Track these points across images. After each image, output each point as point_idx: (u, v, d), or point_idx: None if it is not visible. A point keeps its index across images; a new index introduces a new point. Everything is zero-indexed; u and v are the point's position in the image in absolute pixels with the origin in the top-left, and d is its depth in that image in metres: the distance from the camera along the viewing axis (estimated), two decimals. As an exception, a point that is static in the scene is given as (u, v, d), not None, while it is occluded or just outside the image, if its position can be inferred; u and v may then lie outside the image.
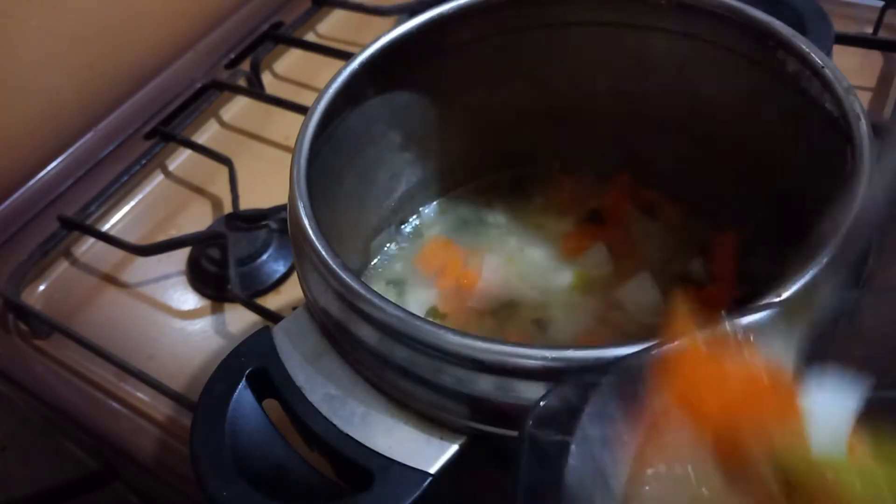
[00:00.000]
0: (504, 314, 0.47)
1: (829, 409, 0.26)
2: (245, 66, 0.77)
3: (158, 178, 0.71)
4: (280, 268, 0.59)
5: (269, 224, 0.61)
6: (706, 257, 0.48)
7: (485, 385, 0.30)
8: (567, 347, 0.29)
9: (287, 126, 0.71)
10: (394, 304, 0.32)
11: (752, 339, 0.27)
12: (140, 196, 0.69)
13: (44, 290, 0.63)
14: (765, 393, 0.26)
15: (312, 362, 0.35)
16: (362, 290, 0.32)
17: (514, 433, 0.30)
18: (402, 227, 0.52)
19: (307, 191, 0.37)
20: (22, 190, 0.70)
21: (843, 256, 0.30)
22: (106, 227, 0.67)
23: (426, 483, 0.31)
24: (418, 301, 0.48)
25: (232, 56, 0.78)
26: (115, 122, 0.74)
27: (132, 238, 0.63)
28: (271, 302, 0.58)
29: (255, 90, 0.74)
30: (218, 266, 0.59)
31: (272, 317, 0.53)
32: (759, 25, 0.39)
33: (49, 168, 0.71)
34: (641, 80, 0.48)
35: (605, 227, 0.51)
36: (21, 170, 0.70)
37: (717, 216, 0.49)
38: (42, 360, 0.58)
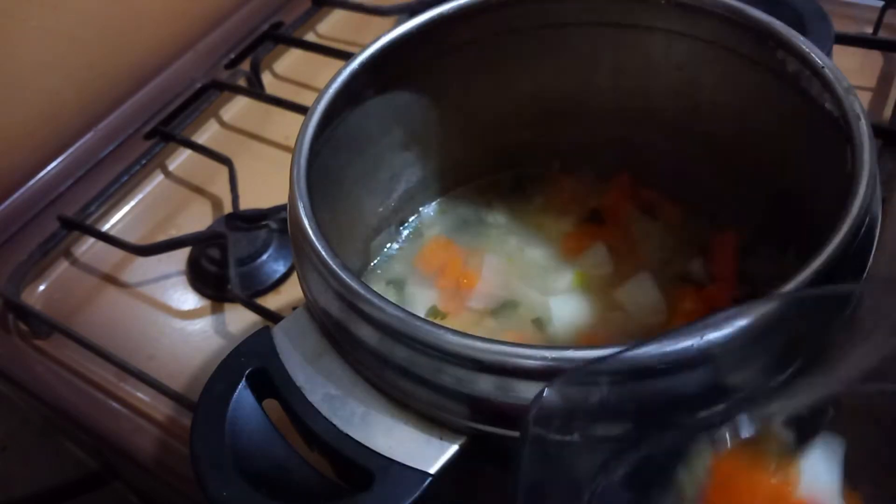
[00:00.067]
0: (504, 314, 0.47)
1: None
2: (245, 66, 0.77)
3: (158, 178, 0.71)
4: (280, 268, 0.59)
5: (269, 224, 0.61)
6: (706, 257, 0.48)
7: (485, 385, 0.30)
8: (567, 347, 0.29)
9: (287, 126, 0.71)
10: (394, 304, 0.32)
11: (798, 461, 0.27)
12: (140, 196, 0.69)
13: (44, 290, 0.63)
14: None
15: (312, 362, 0.35)
16: (362, 290, 0.32)
17: (515, 433, 0.30)
18: (402, 227, 0.52)
19: (307, 191, 0.37)
20: (22, 190, 0.70)
21: (842, 256, 0.30)
22: (106, 227, 0.67)
23: (426, 483, 0.31)
24: (418, 301, 0.48)
25: (232, 56, 0.78)
26: (115, 122, 0.74)
27: (132, 238, 0.63)
28: (271, 302, 0.58)
29: (255, 90, 0.74)
30: (218, 266, 0.59)
31: (272, 317, 0.53)
32: (759, 25, 0.39)
33: (49, 168, 0.71)
34: (641, 81, 0.48)
35: (605, 227, 0.51)
36: (21, 170, 0.70)
37: (717, 216, 0.49)
38: (42, 360, 0.58)
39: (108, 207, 0.68)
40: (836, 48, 0.61)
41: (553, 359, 0.29)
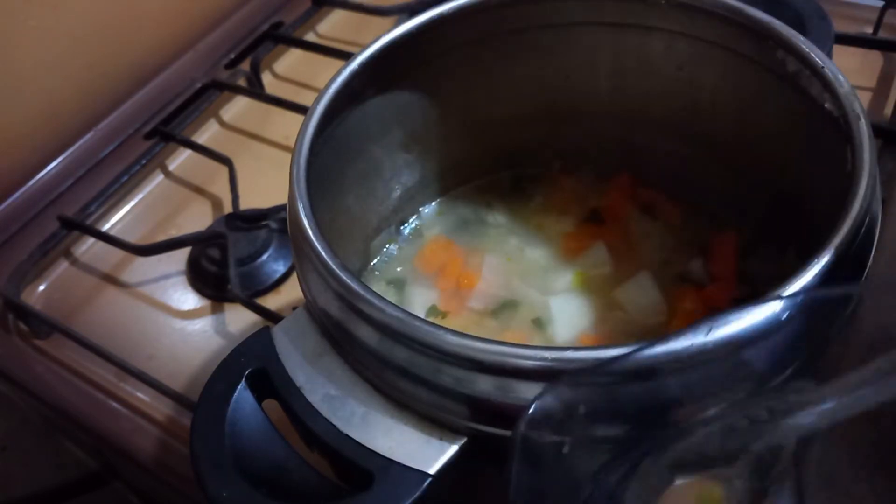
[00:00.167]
0: (504, 314, 0.47)
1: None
2: (245, 66, 0.77)
3: (158, 178, 0.71)
4: (280, 268, 0.59)
5: (269, 224, 0.61)
6: (706, 257, 0.48)
7: (484, 385, 0.30)
8: (566, 348, 0.29)
9: (287, 126, 0.71)
10: (394, 304, 0.32)
11: None
12: (140, 196, 0.69)
13: (44, 290, 0.63)
14: None
15: (312, 362, 0.35)
16: (362, 291, 0.32)
17: (514, 433, 0.30)
18: (402, 227, 0.52)
19: (307, 191, 0.37)
20: (22, 190, 0.70)
21: (842, 256, 0.30)
22: (106, 227, 0.67)
23: (426, 483, 0.31)
24: (418, 301, 0.48)
25: (232, 56, 0.78)
26: (115, 122, 0.74)
27: (132, 238, 0.63)
28: (271, 302, 0.58)
29: (255, 90, 0.74)
30: (218, 266, 0.59)
31: (272, 317, 0.53)
32: (759, 25, 0.39)
33: (49, 168, 0.71)
34: (641, 80, 0.48)
35: (604, 226, 0.51)
36: (21, 170, 0.70)
37: (717, 216, 0.49)
38: (42, 360, 0.58)
39: (108, 207, 0.68)
40: (836, 48, 0.61)
41: (553, 359, 0.29)
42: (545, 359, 0.29)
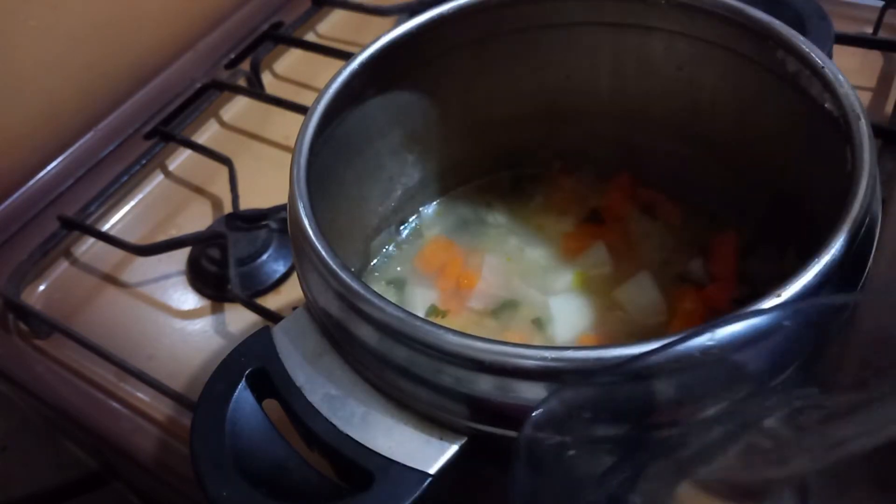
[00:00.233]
0: (504, 314, 0.47)
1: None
2: (245, 66, 0.77)
3: (158, 178, 0.71)
4: (280, 268, 0.59)
5: (269, 224, 0.61)
6: (706, 257, 0.48)
7: (484, 385, 0.30)
8: (566, 348, 0.29)
9: (287, 126, 0.71)
10: (394, 304, 0.32)
11: None
12: (140, 196, 0.69)
13: (44, 290, 0.63)
14: None
15: (312, 362, 0.35)
16: (362, 290, 0.32)
17: (515, 433, 0.30)
18: (402, 227, 0.52)
19: (307, 191, 0.37)
20: (22, 190, 0.70)
21: (843, 256, 0.30)
22: (106, 227, 0.67)
23: (426, 483, 0.31)
24: (418, 301, 0.48)
25: (232, 56, 0.78)
26: (115, 122, 0.74)
27: (132, 238, 0.63)
28: (271, 302, 0.58)
29: (255, 90, 0.74)
30: (218, 266, 0.59)
31: (272, 317, 0.53)
32: (759, 25, 0.39)
33: (49, 168, 0.71)
34: (641, 80, 0.48)
35: (604, 226, 0.51)
36: (21, 170, 0.70)
37: (717, 216, 0.49)
38: (42, 360, 0.58)
39: (108, 207, 0.68)
40: (836, 48, 0.61)
41: (552, 359, 0.29)
42: (545, 358, 0.29)
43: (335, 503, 0.32)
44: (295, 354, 0.36)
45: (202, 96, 0.74)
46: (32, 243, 0.64)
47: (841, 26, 0.62)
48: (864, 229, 0.31)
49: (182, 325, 0.58)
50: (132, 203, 0.69)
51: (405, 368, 0.32)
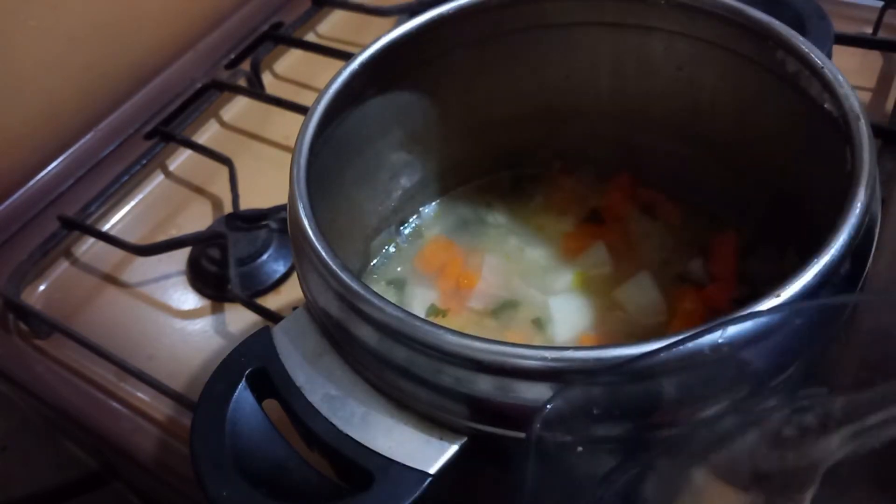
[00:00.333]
0: (504, 314, 0.47)
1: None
2: (245, 66, 0.77)
3: (158, 178, 0.71)
4: (280, 268, 0.59)
5: (269, 224, 0.61)
6: (706, 257, 0.48)
7: (484, 385, 0.30)
8: (566, 348, 0.29)
9: (287, 126, 0.71)
10: (394, 304, 0.32)
11: None
12: (140, 196, 0.69)
13: (44, 290, 0.63)
14: None
15: (312, 362, 0.35)
16: (362, 290, 0.32)
17: (515, 433, 0.30)
18: (402, 227, 0.52)
19: (307, 191, 0.37)
20: (22, 190, 0.70)
21: (842, 256, 0.30)
22: (106, 227, 0.67)
23: (426, 483, 0.31)
24: (418, 301, 0.48)
25: (232, 56, 0.78)
26: (115, 122, 0.74)
27: (132, 238, 0.63)
28: (271, 302, 0.58)
29: (255, 90, 0.75)
30: (218, 266, 0.59)
31: (272, 317, 0.53)
32: (759, 25, 0.39)
33: (49, 168, 0.71)
34: (641, 80, 0.48)
35: (604, 226, 0.51)
36: (21, 170, 0.70)
37: (717, 216, 0.49)
38: (42, 360, 0.58)
39: (108, 207, 0.68)
40: (836, 48, 0.61)
41: (552, 359, 0.29)
42: (545, 359, 0.29)
43: (335, 503, 0.32)
44: (295, 354, 0.36)
45: (202, 96, 0.74)
46: (32, 243, 0.64)
47: (841, 26, 0.62)
48: (864, 229, 0.31)
49: (182, 325, 0.58)
50: (132, 203, 0.69)
51: (405, 368, 0.32)
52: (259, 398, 0.36)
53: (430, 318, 0.44)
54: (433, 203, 0.54)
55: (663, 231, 0.50)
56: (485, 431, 0.32)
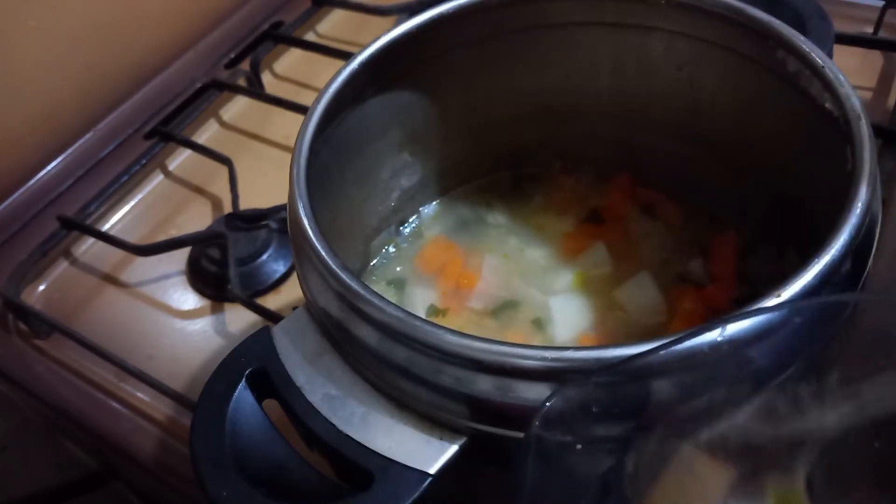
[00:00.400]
0: (504, 314, 0.47)
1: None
2: (245, 65, 0.77)
3: (158, 178, 0.71)
4: (280, 268, 0.59)
5: (269, 224, 0.61)
6: (706, 257, 0.48)
7: (484, 385, 0.30)
8: (566, 348, 0.29)
9: (287, 126, 0.71)
10: (393, 304, 0.32)
11: None
12: (140, 196, 0.69)
13: (44, 290, 0.63)
14: None
15: (312, 362, 0.35)
16: (362, 290, 0.32)
17: (514, 433, 0.30)
18: (402, 227, 0.52)
19: (307, 191, 0.37)
20: (22, 190, 0.70)
21: (843, 256, 0.30)
22: (106, 227, 0.67)
23: (426, 483, 0.31)
24: (418, 301, 0.48)
25: (232, 56, 0.78)
26: (115, 122, 0.74)
27: (132, 238, 0.63)
28: (271, 302, 0.58)
29: (255, 90, 0.74)
30: (218, 266, 0.59)
31: (272, 317, 0.53)
32: (759, 25, 0.39)
33: (49, 168, 0.71)
34: (641, 80, 0.48)
35: (604, 226, 0.51)
36: (21, 170, 0.70)
37: (717, 216, 0.49)
38: (42, 360, 0.58)
39: (108, 207, 0.68)
40: (836, 48, 0.61)
41: (552, 359, 0.29)
42: (545, 359, 0.29)
43: (335, 503, 0.32)
44: (295, 354, 0.36)
45: (202, 96, 0.74)
46: (32, 243, 0.64)
47: (841, 26, 0.62)
48: (864, 229, 0.31)
49: (182, 325, 0.58)
50: (132, 203, 0.69)
51: (405, 368, 0.32)
52: (259, 398, 0.36)
53: (430, 318, 0.44)
54: (433, 203, 0.54)
55: (663, 231, 0.50)
56: (485, 431, 0.32)
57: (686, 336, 0.27)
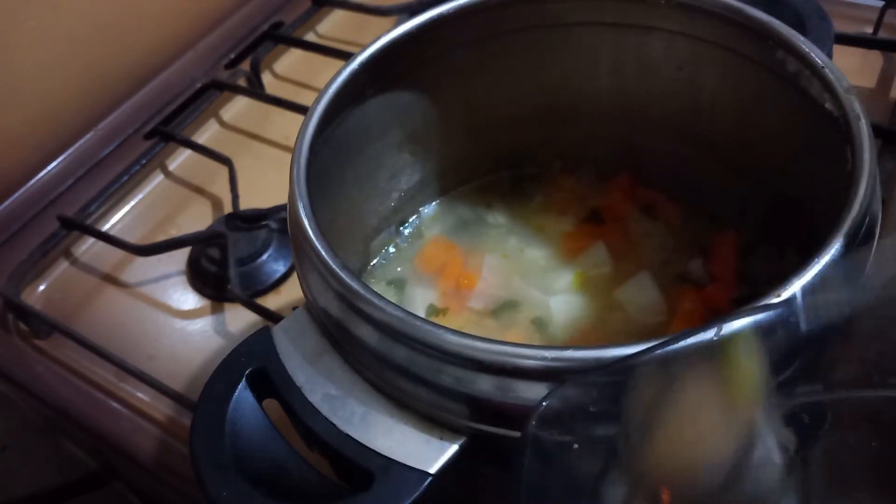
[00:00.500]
0: (504, 314, 0.47)
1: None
2: (245, 66, 0.77)
3: (158, 178, 0.71)
4: (280, 268, 0.59)
5: (269, 224, 0.61)
6: (706, 257, 0.48)
7: (484, 385, 0.30)
8: (566, 348, 0.29)
9: (287, 126, 0.71)
10: (394, 304, 0.32)
11: None
12: (140, 196, 0.69)
13: (44, 290, 0.63)
14: None
15: (312, 362, 0.35)
16: (362, 290, 0.32)
17: (515, 433, 0.30)
18: (402, 227, 0.52)
19: (307, 191, 0.37)
20: (22, 190, 0.70)
21: (843, 256, 0.30)
22: (106, 227, 0.67)
23: (426, 483, 0.31)
24: (418, 301, 0.48)
25: (232, 56, 0.78)
26: (115, 122, 0.74)
27: (132, 238, 0.63)
28: (271, 302, 0.58)
29: (255, 90, 0.75)
30: (218, 266, 0.59)
31: (272, 317, 0.53)
32: (759, 25, 0.39)
33: (49, 168, 0.71)
34: (641, 80, 0.48)
35: (604, 226, 0.51)
36: (21, 170, 0.70)
37: (717, 216, 0.49)
38: (42, 360, 0.58)
39: (108, 207, 0.68)
40: (836, 48, 0.61)
41: (552, 359, 0.29)
42: (545, 358, 0.29)
43: (335, 503, 0.32)
44: (295, 354, 0.36)
45: (202, 96, 0.74)
46: (32, 243, 0.64)
47: (841, 26, 0.62)
48: (864, 229, 0.31)
49: (182, 325, 0.58)
50: (132, 203, 0.69)
51: (405, 368, 0.32)
52: (259, 398, 0.36)
53: (430, 318, 0.44)
54: (433, 203, 0.54)
55: (663, 231, 0.50)
56: (485, 431, 0.32)
57: (684, 335, 0.27)
